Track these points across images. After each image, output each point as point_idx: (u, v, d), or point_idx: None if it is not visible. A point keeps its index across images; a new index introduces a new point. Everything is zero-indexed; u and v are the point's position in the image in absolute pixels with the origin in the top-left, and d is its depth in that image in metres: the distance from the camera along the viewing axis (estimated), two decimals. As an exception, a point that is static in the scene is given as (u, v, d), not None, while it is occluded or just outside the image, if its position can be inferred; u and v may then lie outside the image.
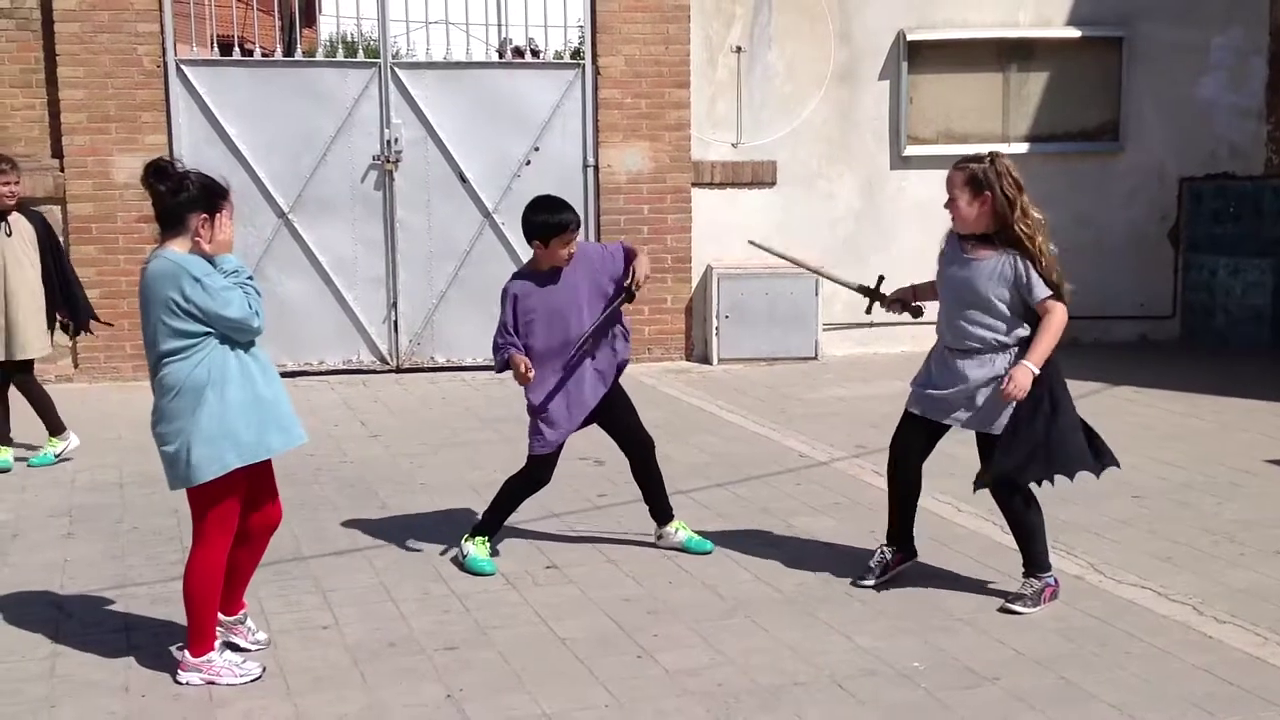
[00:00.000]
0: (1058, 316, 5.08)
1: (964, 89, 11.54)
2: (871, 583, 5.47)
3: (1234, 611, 5.18)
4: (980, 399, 5.16)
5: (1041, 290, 5.07)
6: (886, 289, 5.74)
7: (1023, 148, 11.58)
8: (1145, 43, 11.65)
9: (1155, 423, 8.66)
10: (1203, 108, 11.85)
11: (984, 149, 11.89)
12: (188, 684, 4.52)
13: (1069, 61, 11.64)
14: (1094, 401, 9.35)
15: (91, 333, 8.16)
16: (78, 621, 5.16)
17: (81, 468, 7.58)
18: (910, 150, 11.29)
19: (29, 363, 7.66)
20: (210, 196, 4.47)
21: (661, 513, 6.02)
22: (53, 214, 10.08)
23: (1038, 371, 5.06)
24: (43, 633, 5.02)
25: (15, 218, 7.55)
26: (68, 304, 7.76)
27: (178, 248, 4.43)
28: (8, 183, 7.47)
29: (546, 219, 5.61)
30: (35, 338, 7.59)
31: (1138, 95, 11.72)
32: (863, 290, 5.76)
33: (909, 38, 11.26)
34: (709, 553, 5.91)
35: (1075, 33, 11.55)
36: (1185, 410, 9.01)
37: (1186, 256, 11.97)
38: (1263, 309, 11.38)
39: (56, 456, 7.67)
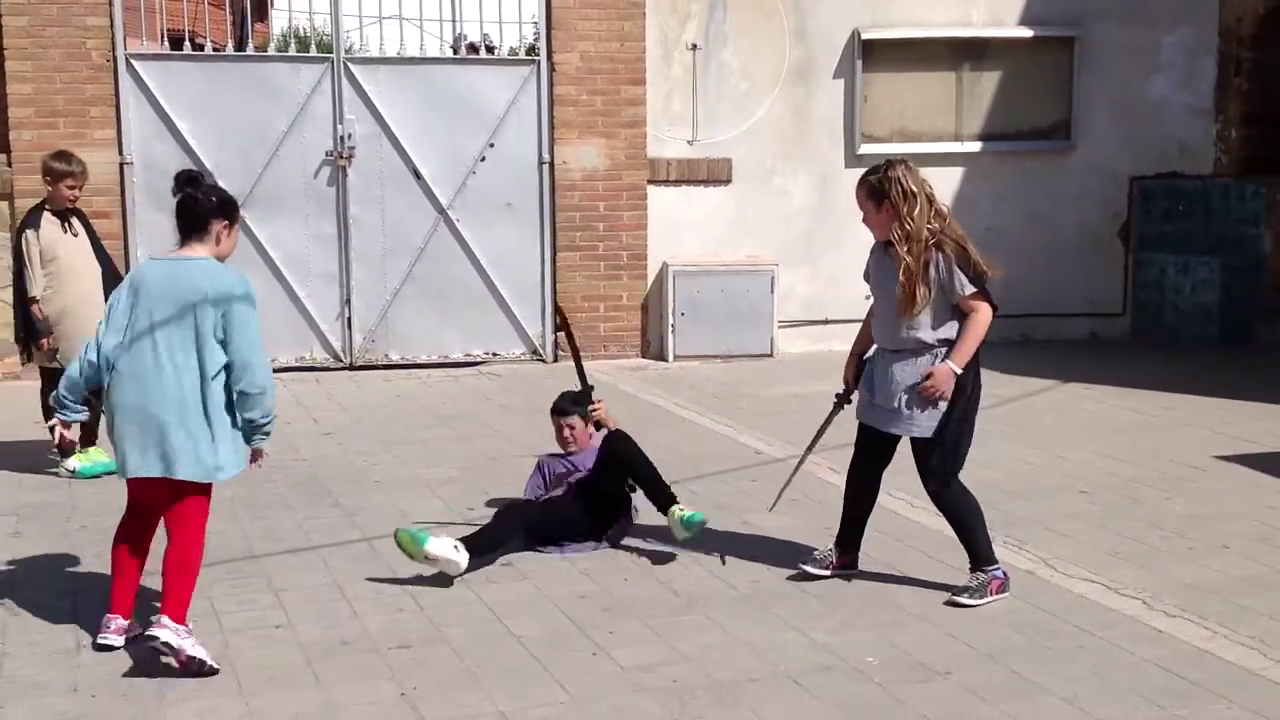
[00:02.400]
0: (982, 316, 5.13)
1: (918, 87, 11.60)
2: (813, 570, 5.51)
3: (1183, 605, 5.24)
4: (913, 405, 5.20)
5: (964, 286, 5.10)
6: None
7: (975, 146, 11.67)
8: (1097, 42, 11.76)
9: (1105, 419, 8.75)
10: (1153, 107, 11.98)
11: (937, 148, 12.09)
12: (165, 644, 4.51)
13: (1021, 61, 11.73)
14: (1045, 398, 9.44)
15: None
16: (25, 621, 5.09)
17: (31, 466, 7.47)
18: (865, 148, 11.33)
19: None
20: (230, 209, 4.95)
21: (659, 502, 6.05)
22: None
23: (959, 371, 5.12)
24: (-11, 633, 4.96)
25: (73, 217, 7.34)
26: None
27: (206, 253, 4.82)
28: (74, 186, 7.24)
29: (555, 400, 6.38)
30: None
31: (1089, 94, 11.83)
32: (838, 406, 5.74)
33: (864, 36, 11.31)
34: (703, 522, 5.88)
35: (1028, 32, 11.65)
36: (1135, 406, 9.10)
37: (1137, 254, 12.10)
38: (1211, 306, 11.51)
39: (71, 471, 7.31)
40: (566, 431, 6.33)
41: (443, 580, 5.52)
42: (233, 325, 4.65)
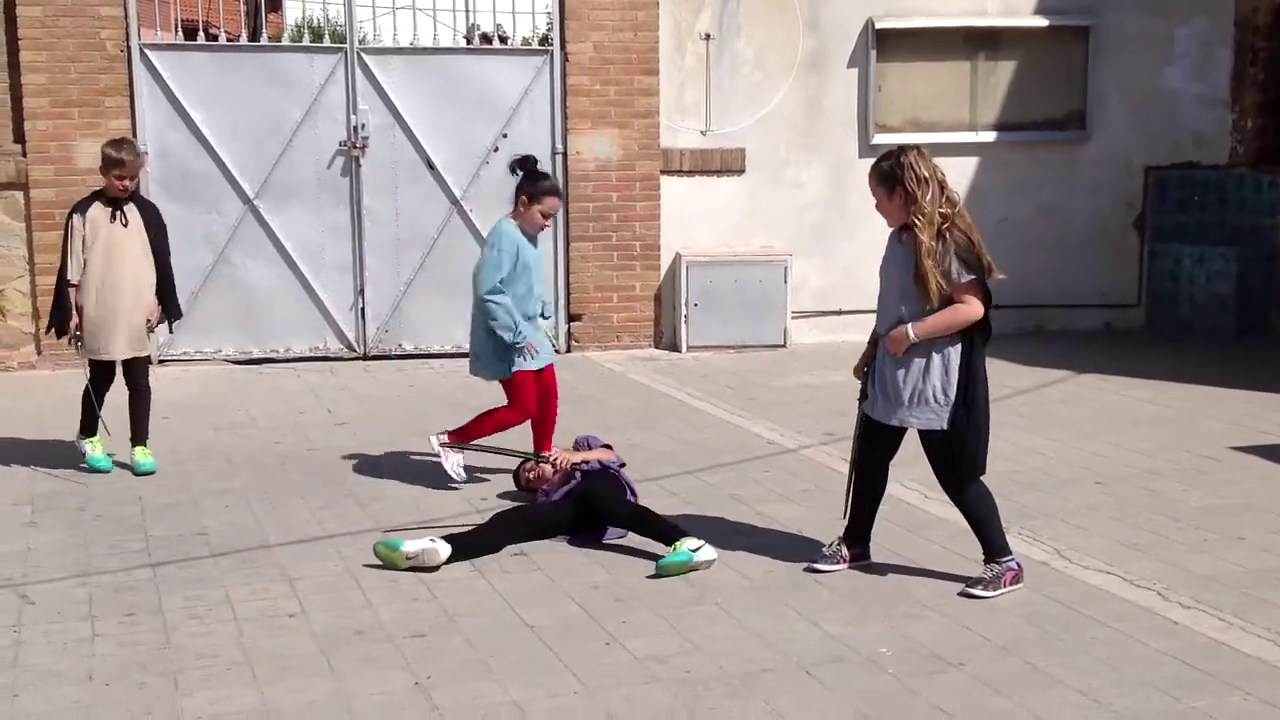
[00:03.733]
0: (964, 308, 5.09)
1: (932, 77, 11.56)
2: (824, 568, 5.50)
3: (1198, 597, 5.23)
4: (910, 397, 5.19)
5: (960, 274, 5.07)
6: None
7: (990, 136, 11.62)
8: (1112, 32, 11.71)
9: (1120, 410, 8.72)
10: (1168, 97, 11.92)
11: (951, 138, 12.04)
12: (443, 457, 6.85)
13: (1036, 50, 11.68)
14: (1059, 389, 9.41)
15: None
16: (40, 610, 5.11)
17: (45, 455, 7.49)
18: (878, 139, 11.29)
19: (143, 362, 7.28)
20: (529, 184, 6.65)
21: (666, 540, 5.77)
22: (14, 199, 10.01)
23: (914, 337, 5.11)
24: (5, 622, 4.97)
25: (129, 207, 7.12)
26: (162, 301, 7.29)
27: (511, 216, 6.74)
28: (122, 176, 7.02)
29: None
30: (139, 336, 7.19)
31: (1104, 84, 11.77)
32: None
33: (877, 26, 11.27)
34: (686, 563, 5.54)
35: (1043, 22, 11.59)
36: (1150, 397, 9.07)
37: (1151, 245, 12.05)
38: (1226, 297, 11.46)
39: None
40: (530, 477, 6.45)
41: (457, 570, 5.52)
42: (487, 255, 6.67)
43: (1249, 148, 11.95)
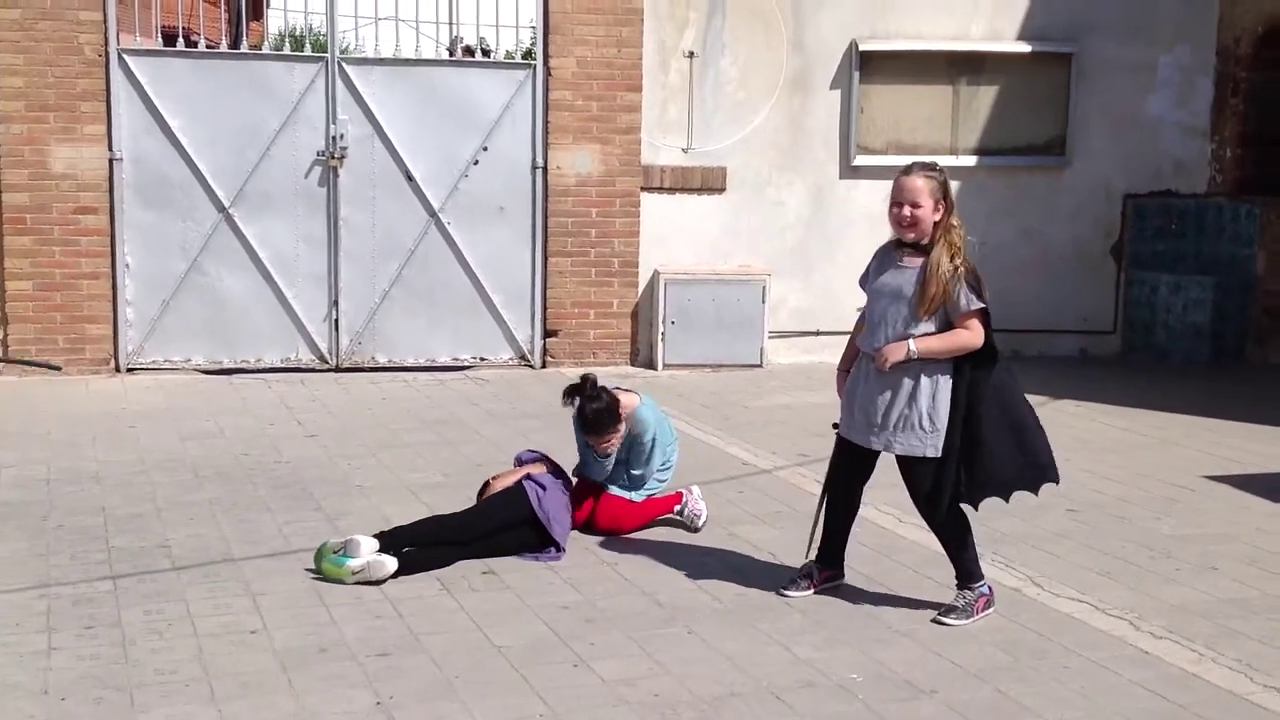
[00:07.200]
0: (966, 334, 5.04)
1: (914, 100, 11.57)
2: (795, 593, 5.44)
3: (1170, 626, 5.20)
4: (898, 421, 5.12)
5: (971, 302, 5.03)
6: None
7: (971, 160, 11.63)
8: (1094, 60, 11.74)
9: (1094, 437, 8.71)
10: (1149, 125, 11.95)
11: (932, 160, 11.94)
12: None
13: (1019, 76, 11.70)
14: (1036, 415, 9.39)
15: None
16: (-2, 621, 5.02)
17: (9, 463, 7.39)
18: (860, 160, 11.29)
19: None
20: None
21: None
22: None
23: (915, 352, 5.02)
24: (-39, 632, 4.89)
25: None
26: None
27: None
28: None
29: None
30: None
31: (1085, 111, 11.80)
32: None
33: (861, 47, 11.27)
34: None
35: (1026, 48, 11.62)
36: (1124, 425, 9.07)
37: (1129, 272, 12.07)
38: (1202, 326, 11.49)
39: None
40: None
41: (424, 588, 5.45)
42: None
43: (1228, 177, 11.99)
